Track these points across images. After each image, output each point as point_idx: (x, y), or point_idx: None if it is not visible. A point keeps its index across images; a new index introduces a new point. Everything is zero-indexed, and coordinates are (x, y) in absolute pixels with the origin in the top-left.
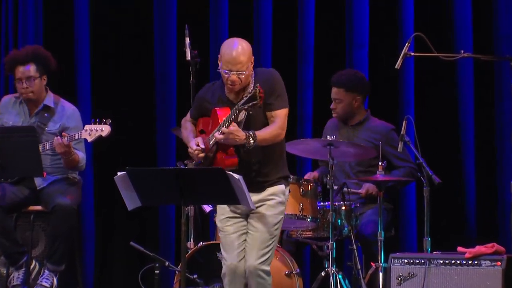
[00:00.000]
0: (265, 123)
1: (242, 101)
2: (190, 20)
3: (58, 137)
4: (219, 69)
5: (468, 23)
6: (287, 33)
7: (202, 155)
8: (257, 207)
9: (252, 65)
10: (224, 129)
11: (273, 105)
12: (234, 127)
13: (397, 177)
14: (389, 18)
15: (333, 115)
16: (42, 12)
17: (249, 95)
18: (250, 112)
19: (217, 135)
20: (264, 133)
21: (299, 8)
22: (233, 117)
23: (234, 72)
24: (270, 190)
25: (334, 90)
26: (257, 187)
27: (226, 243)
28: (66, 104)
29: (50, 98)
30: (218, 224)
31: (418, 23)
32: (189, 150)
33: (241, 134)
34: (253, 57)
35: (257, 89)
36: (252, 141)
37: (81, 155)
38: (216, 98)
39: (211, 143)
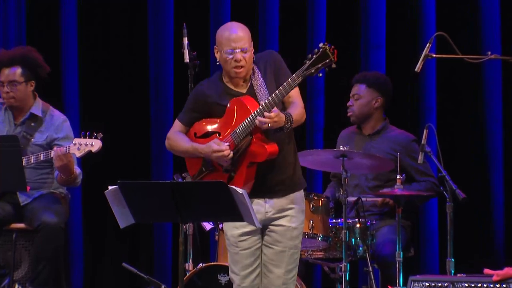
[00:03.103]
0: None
1: (306, 64)
2: (189, 18)
3: (57, 148)
4: (217, 62)
5: (496, 21)
6: (295, 33)
7: (231, 155)
8: (278, 217)
9: (253, 50)
10: (268, 114)
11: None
12: (276, 110)
13: (417, 191)
14: (408, 16)
15: (348, 113)
16: (24, 10)
17: (314, 55)
18: (320, 75)
19: (261, 120)
20: (295, 114)
21: (309, 5)
22: (288, 87)
23: (238, 50)
24: (290, 197)
25: (354, 87)
26: (275, 192)
27: (238, 260)
28: (55, 113)
29: (38, 106)
30: (231, 238)
31: (441, 22)
32: (216, 154)
33: (283, 116)
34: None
35: (325, 45)
36: (289, 123)
37: (78, 169)
38: (219, 92)
39: (242, 136)
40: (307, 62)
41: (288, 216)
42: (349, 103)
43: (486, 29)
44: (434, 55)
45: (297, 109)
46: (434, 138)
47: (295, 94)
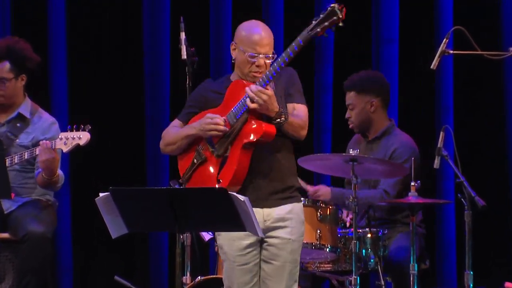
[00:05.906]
0: None
1: (312, 24)
2: (186, 11)
3: (44, 141)
4: (233, 60)
5: None
6: (302, 26)
7: (223, 122)
8: (276, 227)
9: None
10: (257, 87)
11: (294, 97)
12: (271, 91)
13: (365, 196)
14: (423, 9)
15: (349, 125)
16: (9, 1)
17: (323, 13)
18: (325, 35)
19: (249, 92)
20: (294, 118)
21: None
22: (286, 59)
23: (262, 56)
24: (289, 206)
25: (346, 95)
26: (271, 200)
27: (233, 277)
28: (44, 115)
29: (26, 106)
30: (228, 252)
31: (458, 15)
32: (208, 123)
33: (276, 103)
34: None
35: (334, 4)
36: (283, 118)
37: (61, 172)
38: (222, 87)
39: (237, 116)
40: (313, 22)
41: (288, 227)
42: (347, 115)
43: (507, 23)
44: (451, 51)
45: (298, 118)
46: (451, 140)
47: (301, 108)
